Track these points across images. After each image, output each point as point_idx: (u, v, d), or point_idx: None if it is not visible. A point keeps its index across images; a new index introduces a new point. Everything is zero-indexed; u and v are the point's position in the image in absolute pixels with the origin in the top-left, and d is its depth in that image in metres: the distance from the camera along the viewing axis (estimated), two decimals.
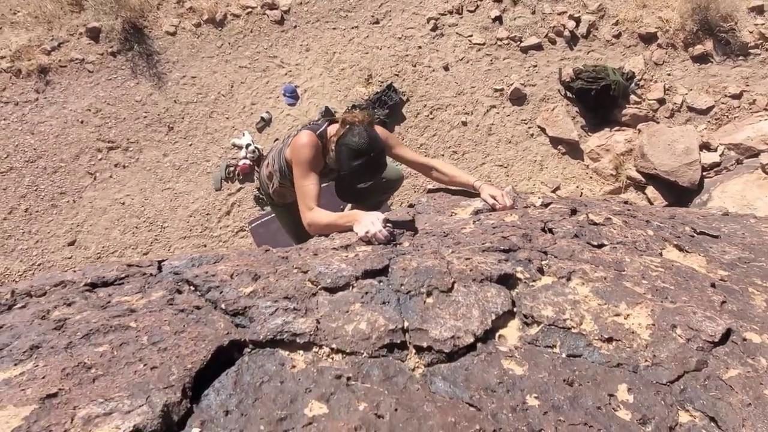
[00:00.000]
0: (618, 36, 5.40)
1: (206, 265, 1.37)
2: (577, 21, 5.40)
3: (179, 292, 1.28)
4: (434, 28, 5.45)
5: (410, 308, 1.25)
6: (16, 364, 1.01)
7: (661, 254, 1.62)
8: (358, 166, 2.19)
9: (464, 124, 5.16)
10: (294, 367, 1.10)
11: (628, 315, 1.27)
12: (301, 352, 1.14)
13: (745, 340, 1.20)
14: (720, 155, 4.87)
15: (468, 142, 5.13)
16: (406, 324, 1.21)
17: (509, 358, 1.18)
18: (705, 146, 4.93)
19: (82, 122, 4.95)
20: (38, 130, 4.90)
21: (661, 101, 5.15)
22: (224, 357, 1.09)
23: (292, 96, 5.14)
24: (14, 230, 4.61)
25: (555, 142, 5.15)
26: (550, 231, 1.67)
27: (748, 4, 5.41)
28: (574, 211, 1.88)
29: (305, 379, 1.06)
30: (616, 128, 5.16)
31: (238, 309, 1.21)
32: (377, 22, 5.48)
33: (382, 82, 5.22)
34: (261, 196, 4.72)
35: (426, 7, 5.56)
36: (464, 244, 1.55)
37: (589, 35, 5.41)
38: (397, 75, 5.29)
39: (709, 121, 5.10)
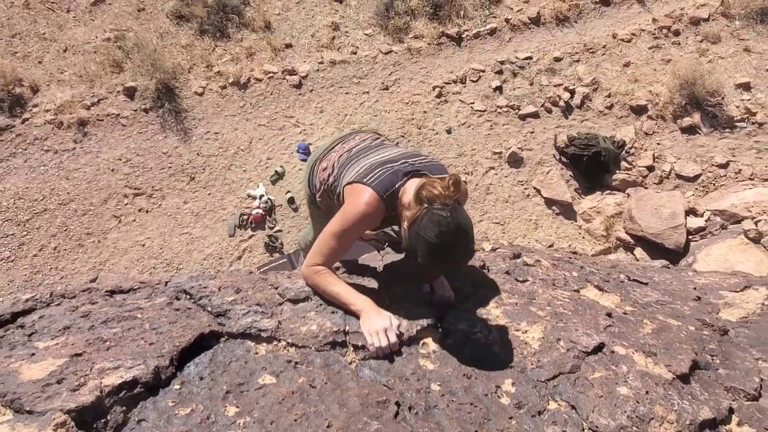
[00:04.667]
0: (610, 107, 5.86)
1: (202, 280, 1.77)
2: (572, 93, 5.89)
3: (177, 299, 1.69)
4: (439, 95, 5.99)
5: (352, 318, 1.63)
6: (53, 338, 1.41)
7: (577, 291, 1.97)
8: (438, 264, 1.63)
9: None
10: (257, 353, 1.48)
11: (526, 331, 1.63)
12: (264, 344, 1.52)
13: (613, 352, 1.55)
14: (706, 220, 5.19)
15: (467, 201, 5.53)
16: (347, 328, 1.59)
17: (426, 358, 1.55)
18: (692, 211, 5.25)
19: (112, 170, 5.51)
20: (73, 176, 5.47)
21: (651, 168, 5.54)
22: (205, 344, 1.47)
23: (305, 153, 5.66)
24: (42, 266, 5.09)
25: (549, 203, 5.53)
26: (487, 269, 2.04)
27: (734, 81, 5.85)
28: (517, 255, 2.25)
29: (264, 361, 1.44)
30: (608, 192, 5.53)
31: (221, 311, 1.60)
32: (387, 89, 6.05)
33: None
34: (270, 243, 5.15)
35: (432, 76, 6.13)
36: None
37: (583, 106, 5.88)
38: (403, 136, 5.80)
39: (696, 188, 5.45)
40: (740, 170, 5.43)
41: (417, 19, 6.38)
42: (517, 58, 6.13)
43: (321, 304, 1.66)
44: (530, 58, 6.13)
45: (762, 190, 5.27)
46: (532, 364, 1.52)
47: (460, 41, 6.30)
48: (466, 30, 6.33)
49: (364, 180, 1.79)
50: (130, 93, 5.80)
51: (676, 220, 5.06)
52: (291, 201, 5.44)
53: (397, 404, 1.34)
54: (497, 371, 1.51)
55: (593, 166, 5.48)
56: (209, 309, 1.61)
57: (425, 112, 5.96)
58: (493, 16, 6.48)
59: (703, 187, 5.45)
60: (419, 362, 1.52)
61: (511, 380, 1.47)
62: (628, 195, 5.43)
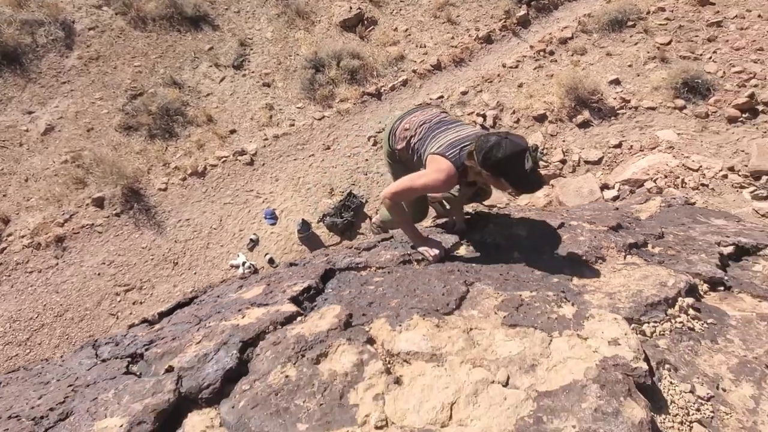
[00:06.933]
0: (518, 121, 7.29)
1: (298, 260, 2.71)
2: (484, 116, 7.29)
3: (294, 264, 2.62)
4: (374, 143, 7.19)
5: (407, 247, 2.63)
6: (234, 292, 2.30)
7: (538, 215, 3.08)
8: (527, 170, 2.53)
9: None
10: (361, 274, 2.44)
11: (516, 234, 2.70)
12: (362, 270, 2.48)
13: (570, 225, 2.64)
14: (617, 190, 6.57)
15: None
16: (408, 251, 2.58)
17: (461, 255, 2.56)
18: (605, 186, 6.63)
19: (99, 274, 6.18)
20: (62, 288, 6.08)
21: (563, 161, 6.93)
22: (329, 275, 2.41)
23: (272, 217, 6.60)
24: None
25: (491, 206, 6.72)
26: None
27: (606, 80, 7.49)
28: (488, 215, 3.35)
29: (367, 275, 2.41)
30: None
31: (328, 261, 2.55)
32: (328, 148, 7.18)
33: (343, 192, 6.78)
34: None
35: (365, 129, 7.35)
36: None
37: (496, 124, 7.28)
38: (354, 184, 6.89)
39: (603, 168, 6.87)
40: (631, 146, 6.93)
41: (339, 85, 7.66)
42: (431, 99, 7.51)
43: (386, 247, 2.65)
44: (442, 96, 7.53)
45: (652, 157, 6.77)
46: (524, 243, 2.58)
47: (380, 96, 7.61)
48: (383, 86, 7.68)
49: (447, 154, 2.52)
50: (99, 203, 6.56)
51: (595, 195, 6.40)
52: (271, 261, 6.30)
53: (459, 271, 2.34)
54: (506, 252, 2.55)
55: None
56: (320, 261, 2.56)
57: (367, 160, 7.11)
58: (402, 70, 7.90)
59: (607, 165, 6.89)
60: (462, 255, 2.54)
61: (516, 252, 2.52)
62: (552, 185, 6.76)
